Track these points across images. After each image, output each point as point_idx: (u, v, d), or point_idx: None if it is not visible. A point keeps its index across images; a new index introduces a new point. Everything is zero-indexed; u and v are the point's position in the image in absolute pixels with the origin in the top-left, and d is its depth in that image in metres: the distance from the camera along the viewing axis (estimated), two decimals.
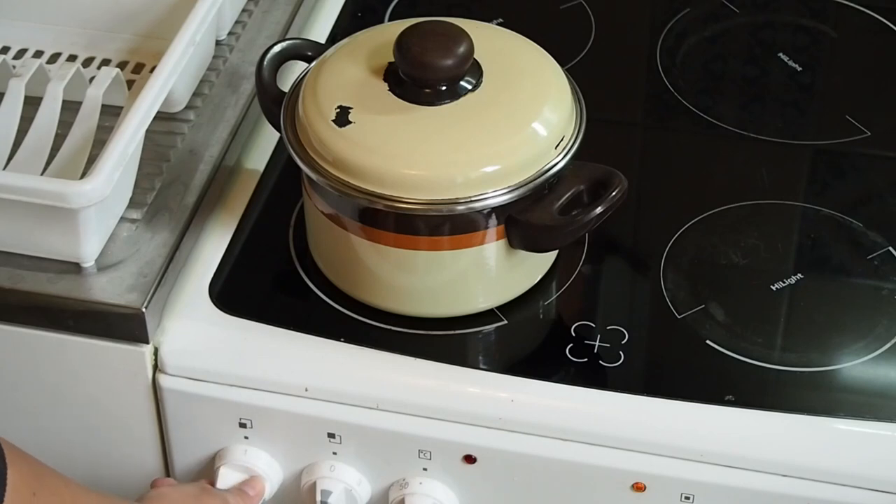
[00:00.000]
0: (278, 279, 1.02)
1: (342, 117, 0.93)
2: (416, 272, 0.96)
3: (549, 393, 0.94)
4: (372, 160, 0.91)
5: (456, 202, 0.91)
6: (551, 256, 1.01)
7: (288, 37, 1.16)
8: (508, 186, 0.91)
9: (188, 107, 1.09)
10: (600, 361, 0.95)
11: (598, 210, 0.92)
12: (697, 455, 0.91)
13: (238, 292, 1.00)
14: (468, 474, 0.95)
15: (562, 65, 0.98)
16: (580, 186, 0.94)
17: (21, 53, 1.16)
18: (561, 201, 0.93)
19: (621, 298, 1.00)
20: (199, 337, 0.98)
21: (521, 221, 0.93)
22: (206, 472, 1.00)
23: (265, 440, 0.98)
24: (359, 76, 0.95)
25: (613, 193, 0.92)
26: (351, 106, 0.93)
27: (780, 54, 1.20)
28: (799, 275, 1.00)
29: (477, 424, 0.94)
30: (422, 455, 0.95)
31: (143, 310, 0.95)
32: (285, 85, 1.00)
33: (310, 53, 1.02)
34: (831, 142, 1.12)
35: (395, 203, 0.91)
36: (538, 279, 1.00)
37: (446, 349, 0.96)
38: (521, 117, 0.93)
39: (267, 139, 1.11)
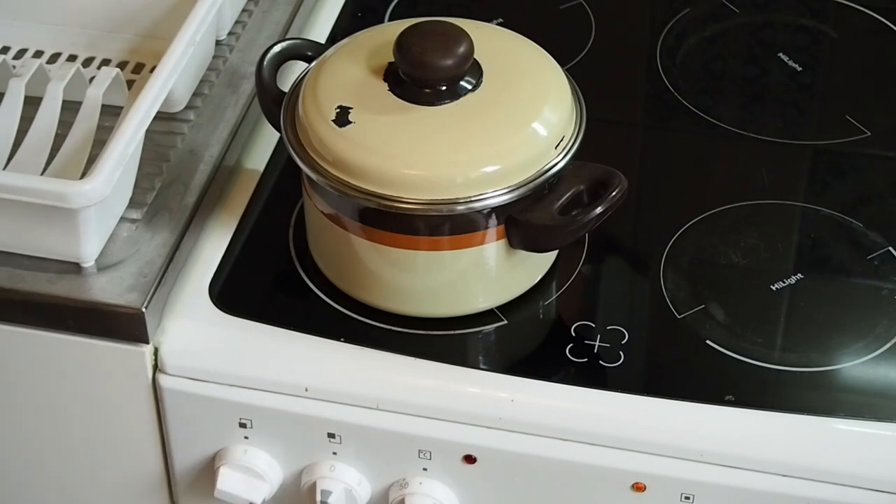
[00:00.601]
0: (278, 279, 1.02)
1: (342, 117, 0.93)
2: (416, 272, 0.96)
3: (549, 393, 0.94)
4: (372, 160, 0.91)
5: (456, 202, 0.91)
6: (551, 256, 1.01)
7: (288, 37, 1.16)
8: (508, 186, 0.91)
9: (188, 107, 1.09)
10: (600, 361, 0.95)
11: (599, 210, 0.92)
12: (697, 455, 0.91)
13: (238, 292, 1.00)
14: (468, 474, 0.95)
15: (562, 65, 0.98)
16: (580, 186, 0.94)
17: (21, 53, 1.16)
18: (561, 201, 0.93)
19: (621, 298, 1.00)
20: (199, 337, 0.98)
21: (521, 221, 0.93)
22: (206, 471, 1.00)
23: (265, 440, 0.98)
24: (359, 76, 0.95)
25: (613, 193, 0.92)
26: (351, 106, 0.93)
27: (780, 54, 1.20)
28: (799, 275, 1.00)
29: (477, 424, 0.94)
30: (422, 455, 0.95)
31: (143, 310, 0.95)
32: (285, 85, 1.00)
33: (310, 53, 1.02)
34: (831, 142, 1.12)
35: (395, 203, 0.91)
36: (538, 279, 1.00)
37: (446, 349, 0.96)
38: (521, 117, 0.93)
39: (267, 139, 1.11)
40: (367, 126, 0.92)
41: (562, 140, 0.94)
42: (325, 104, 0.94)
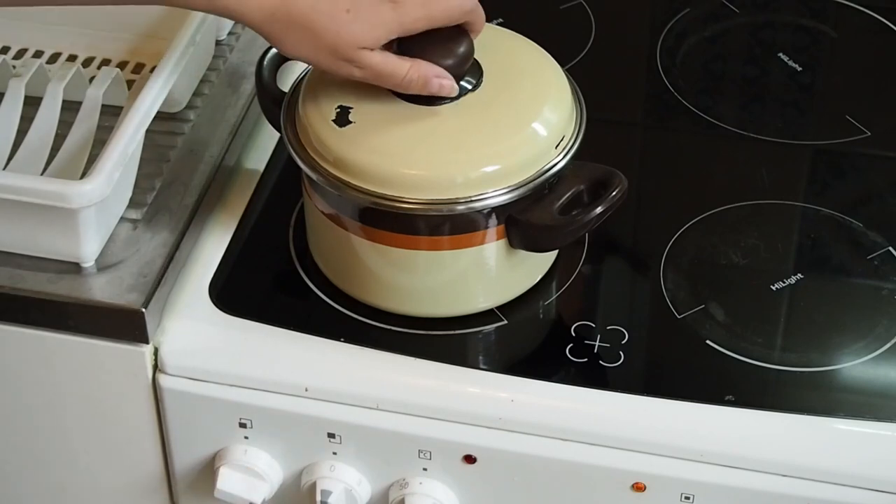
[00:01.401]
0: (278, 279, 1.02)
1: (342, 117, 0.93)
2: (416, 272, 0.96)
3: (549, 393, 0.94)
4: (372, 160, 0.91)
5: (456, 202, 0.91)
6: (551, 256, 1.01)
7: None
8: (508, 186, 0.91)
9: (188, 107, 1.09)
10: (600, 361, 0.95)
11: (599, 210, 0.92)
12: (697, 455, 0.91)
13: (238, 292, 1.00)
14: (468, 474, 0.95)
15: (562, 65, 0.98)
16: (580, 186, 0.94)
17: (21, 53, 1.16)
18: (561, 201, 0.93)
19: (621, 298, 1.00)
20: (199, 337, 0.98)
21: (521, 221, 0.93)
22: (206, 471, 1.00)
23: (265, 440, 0.98)
24: None
25: (614, 193, 0.92)
26: (351, 106, 0.93)
27: (780, 54, 1.20)
28: (799, 275, 1.00)
29: (477, 424, 0.94)
30: (422, 455, 0.95)
31: (143, 310, 0.95)
32: (285, 85, 1.00)
33: None
34: (831, 142, 1.12)
35: (395, 203, 0.91)
36: (538, 279, 1.00)
37: (446, 349, 0.96)
38: (521, 117, 0.93)
39: (267, 139, 1.11)
40: (368, 126, 0.92)
41: (562, 140, 0.94)
42: (326, 104, 0.94)
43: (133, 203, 1.01)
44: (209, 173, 1.04)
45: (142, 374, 0.98)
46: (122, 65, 1.14)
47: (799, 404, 0.92)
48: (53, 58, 1.15)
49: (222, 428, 0.98)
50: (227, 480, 0.98)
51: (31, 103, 1.07)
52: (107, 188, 0.93)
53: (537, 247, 0.95)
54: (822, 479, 0.90)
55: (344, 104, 0.93)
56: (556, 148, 0.93)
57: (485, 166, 0.91)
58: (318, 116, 0.94)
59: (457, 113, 0.93)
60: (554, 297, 1.00)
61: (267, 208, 1.06)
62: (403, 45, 0.92)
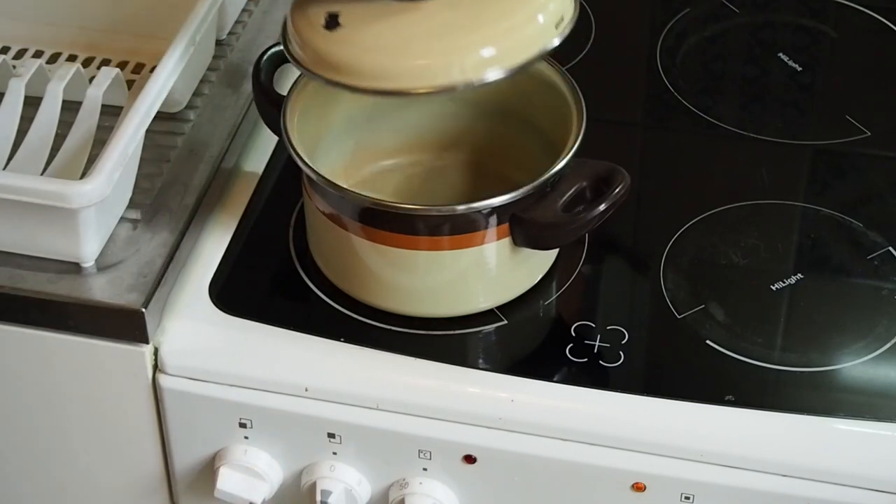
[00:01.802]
0: (278, 279, 1.02)
1: (332, 22, 0.91)
2: (416, 272, 0.96)
3: (549, 393, 0.94)
4: (367, 56, 0.89)
5: (454, 209, 0.91)
6: (551, 256, 1.01)
7: None
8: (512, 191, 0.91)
9: (188, 107, 1.09)
10: (600, 361, 0.95)
11: (602, 207, 0.92)
12: (697, 455, 0.91)
13: (238, 292, 1.00)
14: (468, 474, 0.95)
15: (562, 65, 0.98)
16: (583, 183, 0.94)
17: (21, 53, 1.16)
18: (564, 198, 0.93)
19: (621, 298, 1.00)
20: (199, 337, 0.98)
21: (525, 219, 0.93)
22: (206, 472, 1.00)
23: (265, 440, 0.98)
24: None
25: (617, 190, 0.92)
26: (338, 11, 0.92)
27: (780, 54, 1.20)
28: (799, 275, 1.00)
29: (477, 424, 0.94)
30: (422, 455, 0.95)
31: (143, 310, 0.95)
32: (283, 88, 1.00)
33: None
34: (831, 142, 1.12)
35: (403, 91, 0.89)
36: (538, 279, 1.00)
37: (446, 349, 0.96)
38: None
39: (267, 139, 1.11)
40: (359, 26, 0.90)
41: (561, 21, 0.91)
42: (314, 14, 0.92)
43: (133, 203, 1.01)
44: (209, 173, 1.04)
45: (142, 374, 0.98)
46: (122, 65, 1.14)
47: (799, 404, 0.92)
48: (53, 58, 1.16)
49: (222, 428, 0.98)
50: (227, 480, 0.98)
51: (31, 103, 1.07)
52: (107, 188, 0.93)
53: (541, 245, 0.95)
54: (822, 479, 0.90)
55: (331, 10, 0.92)
56: (555, 28, 0.91)
57: (482, 48, 0.89)
58: (307, 26, 0.92)
59: (446, 4, 0.91)
60: (554, 297, 1.00)
61: (267, 208, 1.06)
62: None
